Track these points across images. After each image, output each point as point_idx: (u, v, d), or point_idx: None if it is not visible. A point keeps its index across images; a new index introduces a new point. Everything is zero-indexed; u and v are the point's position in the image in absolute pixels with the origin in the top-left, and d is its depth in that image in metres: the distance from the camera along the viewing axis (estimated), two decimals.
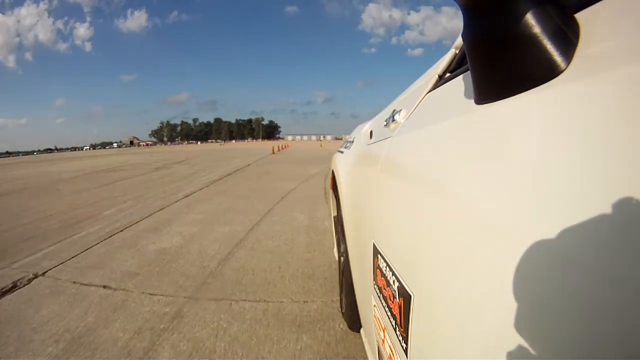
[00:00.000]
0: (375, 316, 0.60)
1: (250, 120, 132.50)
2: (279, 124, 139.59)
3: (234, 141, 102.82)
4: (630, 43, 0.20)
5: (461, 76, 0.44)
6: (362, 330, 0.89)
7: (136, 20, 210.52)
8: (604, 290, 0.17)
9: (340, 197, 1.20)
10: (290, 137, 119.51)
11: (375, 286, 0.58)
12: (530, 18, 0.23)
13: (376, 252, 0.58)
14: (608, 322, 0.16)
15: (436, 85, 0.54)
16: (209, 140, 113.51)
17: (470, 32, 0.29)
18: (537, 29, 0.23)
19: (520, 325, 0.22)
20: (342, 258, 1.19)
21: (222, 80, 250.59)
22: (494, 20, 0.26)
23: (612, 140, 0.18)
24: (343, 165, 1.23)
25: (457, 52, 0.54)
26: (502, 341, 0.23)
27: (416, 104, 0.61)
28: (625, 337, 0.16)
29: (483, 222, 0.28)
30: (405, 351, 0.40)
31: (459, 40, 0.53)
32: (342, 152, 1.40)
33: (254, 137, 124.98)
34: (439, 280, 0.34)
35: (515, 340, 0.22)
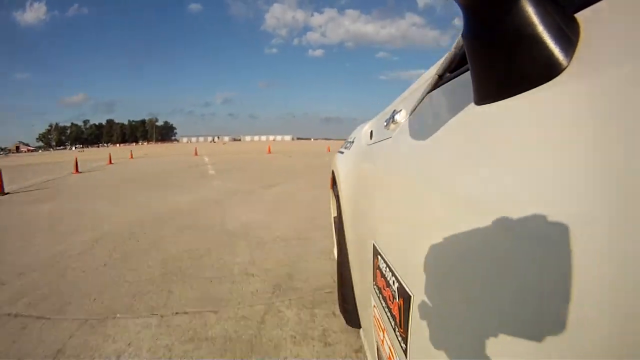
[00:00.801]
0: (374, 316, 0.60)
1: (143, 122, 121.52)
2: (174, 125, 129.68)
3: (118, 145, 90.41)
4: (631, 43, 0.20)
5: (461, 76, 0.44)
6: (361, 331, 0.89)
7: (35, 12, 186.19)
8: (606, 290, 0.16)
9: (340, 198, 1.20)
10: (185, 139, 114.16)
11: (375, 286, 0.58)
12: (530, 18, 0.23)
13: (376, 252, 0.58)
14: (609, 322, 0.16)
15: (436, 85, 0.54)
16: (98, 145, 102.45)
17: (470, 32, 0.29)
18: (537, 29, 0.23)
19: (520, 325, 0.22)
20: (340, 258, 1.20)
21: (121, 80, 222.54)
22: (494, 20, 0.26)
23: (613, 140, 0.18)
24: (343, 165, 1.23)
25: (457, 52, 0.54)
26: (502, 341, 0.23)
27: (416, 104, 0.61)
28: (625, 337, 0.16)
29: (483, 223, 0.28)
30: (405, 351, 0.40)
31: (459, 40, 0.53)
32: (342, 153, 1.40)
33: (147, 140, 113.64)
34: (438, 281, 0.34)
35: (515, 340, 0.22)
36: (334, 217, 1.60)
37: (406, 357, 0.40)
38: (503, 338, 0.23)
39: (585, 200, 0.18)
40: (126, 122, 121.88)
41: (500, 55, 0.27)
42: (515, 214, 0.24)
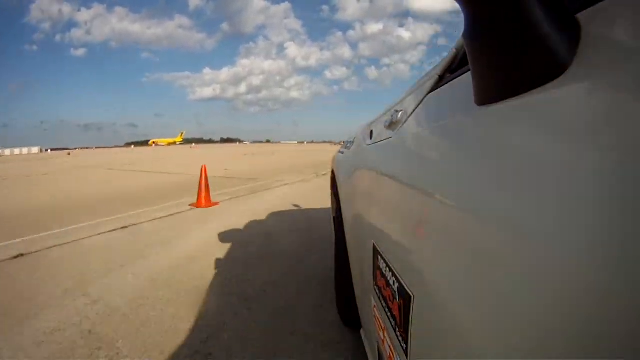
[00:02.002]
0: (375, 316, 0.60)
1: None
2: None
3: None
4: (632, 44, 0.20)
5: (462, 77, 0.44)
6: (362, 331, 0.89)
7: None
8: (606, 291, 0.17)
9: (341, 198, 1.20)
10: None
11: (375, 286, 0.58)
12: (531, 18, 0.23)
13: (376, 252, 0.58)
14: (608, 323, 0.16)
15: (436, 85, 0.54)
16: None
17: (471, 32, 0.29)
18: (538, 30, 0.23)
19: (520, 325, 0.22)
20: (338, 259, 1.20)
21: None
22: (495, 21, 0.26)
23: (614, 141, 0.18)
24: (343, 165, 1.23)
25: (457, 52, 0.54)
26: (502, 341, 0.23)
27: (416, 104, 0.61)
28: (625, 337, 0.16)
29: (483, 223, 0.28)
30: (405, 351, 0.40)
31: (460, 41, 0.53)
32: (342, 153, 1.40)
33: None
34: (439, 281, 0.34)
35: (515, 340, 0.22)
36: (334, 217, 1.60)
37: (407, 356, 0.40)
38: (503, 338, 0.23)
39: (587, 200, 0.18)
40: None
41: (501, 56, 0.27)
42: (516, 214, 0.24)
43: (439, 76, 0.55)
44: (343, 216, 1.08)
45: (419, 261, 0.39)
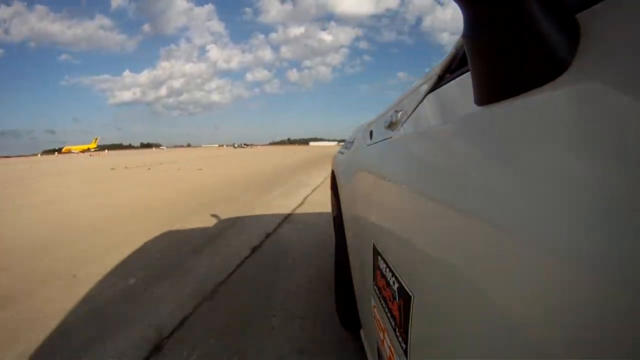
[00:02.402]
0: (375, 317, 0.60)
1: None
2: None
3: None
4: (632, 44, 0.20)
5: (461, 77, 0.44)
6: (361, 331, 0.89)
7: None
8: (606, 291, 0.17)
9: (340, 198, 1.20)
10: None
11: (375, 287, 0.58)
12: (530, 18, 0.23)
13: (376, 252, 0.58)
14: (608, 323, 0.16)
15: (436, 85, 0.54)
16: None
17: (470, 32, 0.29)
18: (537, 30, 0.23)
19: (520, 325, 0.22)
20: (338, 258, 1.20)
21: None
22: (494, 20, 0.26)
23: (614, 141, 0.18)
24: (343, 165, 1.23)
25: (457, 52, 0.54)
26: (502, 342, 0.23)
27: (416, 104, 0.61)
28: (625, 338, 0.16)
29: (483, 223, 0.28)
30: (405, 351, 0.40)
31: (459, 41, 0.53)
32: (342, 153, 1.40)
33: None
34: (438, 281, 0.34)
35: (515, 340, 0.22)
36: (334, 217, 1.60)
37: (406, 357, 0.40)
38: (503, 338, 0.23)
39: (587, 200, 0.18)
40: None
41: (501, 56, 0.27)
42: (516, 214, 0.24)
43: (439, 76, 0.55)
44: (343, 216, 1.08)
45: (419, 261, 0.39)
